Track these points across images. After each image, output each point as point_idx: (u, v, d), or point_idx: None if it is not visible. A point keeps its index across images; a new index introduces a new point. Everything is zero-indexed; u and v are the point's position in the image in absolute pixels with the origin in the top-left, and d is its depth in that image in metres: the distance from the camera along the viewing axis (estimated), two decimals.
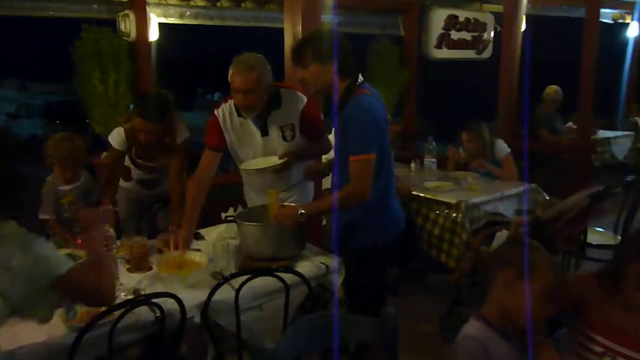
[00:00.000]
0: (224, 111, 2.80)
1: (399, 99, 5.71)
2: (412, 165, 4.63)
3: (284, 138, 2.83)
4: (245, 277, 2.17)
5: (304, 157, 2.95)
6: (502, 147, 4.38)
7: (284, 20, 3.56)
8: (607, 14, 8.07)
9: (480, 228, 3.77)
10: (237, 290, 2.15)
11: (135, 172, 3.23)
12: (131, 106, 3.95)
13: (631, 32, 8.16)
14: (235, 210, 3.00)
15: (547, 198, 4.17)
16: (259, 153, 2.86)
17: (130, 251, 2.49)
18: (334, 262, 2.57)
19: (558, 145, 6.29)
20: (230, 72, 2.63)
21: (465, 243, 3.59)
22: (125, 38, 4.05)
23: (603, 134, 6.87)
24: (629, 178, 3.75)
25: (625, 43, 8.27)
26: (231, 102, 2.77)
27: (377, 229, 2.51)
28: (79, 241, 2.53)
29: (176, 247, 2.57)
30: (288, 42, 3.55)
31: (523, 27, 5.92)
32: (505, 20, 5.70)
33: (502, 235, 3.28)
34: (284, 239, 2.52)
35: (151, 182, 3.28)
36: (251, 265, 2.47)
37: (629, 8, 8.08)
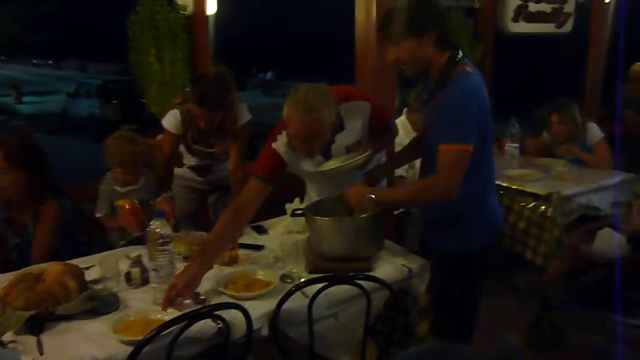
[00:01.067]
0: (282, 142, 2.28)
1: None
2: None
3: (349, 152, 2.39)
4: (321, 284, 1.87)
5: (382, 147, 2.60)
6: (595, 132, 3.91)
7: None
8: None
9: (572, 223, 3.35)
10: (311, 300, 1.85)
11: (188, 158, 2.97)
12: (187, 87, 3.71)
13: None
14: (301, 201, 2.70)
15: None
16: (316, 185, 2.59)
17: (189, 248, 2.23)
18: (417, 264, 2.24)
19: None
20: (285, 111, 2.15)
21: (556, 240, 3.17)
22: (182, 12, 3.78)
23: None
24: None
25: None
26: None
27: (471, 231, 2.14)
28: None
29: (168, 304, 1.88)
30: (360, 20, 3.20)
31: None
32: None
33: (604, 234, 2.87)
34: (361, 236, 2.20)
35: (205, 168, 3.01)
36: (324, 266, 2.17)
37: None
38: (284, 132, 2.25)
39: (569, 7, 5.73)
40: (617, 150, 3.91)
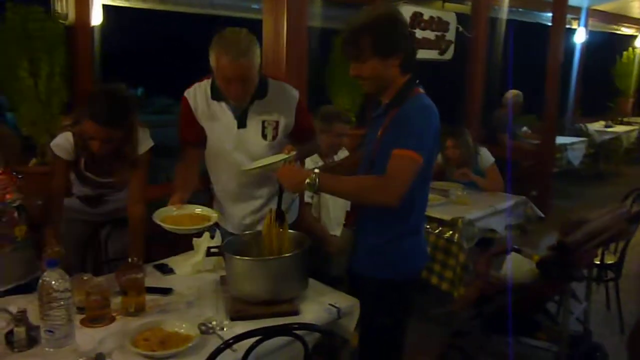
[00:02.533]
0: (197, 93, 2.36)
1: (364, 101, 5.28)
2: None
3: (264, 135, 2.37)
4: (254, 339, 1.64)
5: (302, 156, 2.54)
6: (487, 156, 4.06)
7: (264, 11, 3.02)
8: None
9: (474, 247, 3.41)
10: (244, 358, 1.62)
11: (78, 188, 2.58)
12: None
13: (578, 38, 8.19)
14: (212, 236, 2.45)
15: (542, 215, 3.90)
16: (231, 149, 2.38)
17: (86, 298, 1.90)
18: (346, 302, 2.09)
19: (519, 151, 6.11)
20: (216, 56, 2.15)
21: (462, 265, 3.20)
22: (61, 21, 3.36)
23: (559, 140, 6.79)
24: None
25: (572, 48, 8.30)
26: (207, 82, 2.36)
27: (404, 259, 2.07)
28: None
29: None
30: (268, 36, 3.03)
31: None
32: (474, 22, 5.50)
33: (514, 260, 2.92)
34: (286, 277, 2.00)
35: (97, 199, 2.64)
36: (247, 312, 1.95)
37: (576, 13, 8.11)
38: (201, 83, 2.34)
39: (450, 35, 6.02)
40: (509, 174, 4.09)
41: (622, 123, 9.03)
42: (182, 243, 2.50)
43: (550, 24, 7.71)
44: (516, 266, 2.87)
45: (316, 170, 1.94)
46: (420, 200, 2.05)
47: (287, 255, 2.01)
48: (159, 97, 17.12)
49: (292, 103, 2.40)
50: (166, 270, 2.37)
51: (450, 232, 3.27)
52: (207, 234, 2.45)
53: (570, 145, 6.81)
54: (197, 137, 2.39)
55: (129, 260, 2.30)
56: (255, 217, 2.51)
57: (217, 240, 2.40)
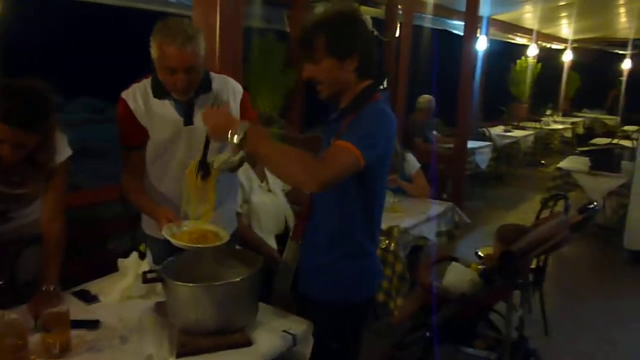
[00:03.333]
0: (136, 93, 2.20)
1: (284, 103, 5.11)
2: None
3: None
4: None
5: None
6: (413, 162, 4.04)
7: (193, 4, 2.76)
8: (459, 26, 8.37)
9: (408, 255, 3.36)
10: None
11: None
12: None
13: (480, 46, 8.53)
14: (141, 255, 2.17)
15: (469, 221, 3.93)
16: (177, 148, 2.22)
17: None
18: (300, 328, 1.91)
19: (432, 154, 6.23)
20: (159, 45, 2.02)
21: (400, 276, 3.12)
22: None
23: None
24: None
25: (474, 55, 8.63)
26: (146, 82, 2.21)
27: (353, 280, 1.92)
28: None
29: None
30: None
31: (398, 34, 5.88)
32: (388, 26, 5.56)
33: (454, 269, 2.89)
34: (236, 303, 1.79)
35: (2, 214, 2.26)
36: (195, 345, 1.72)
37: (478, 22, 8.45)
38: (140, 83, 2.20)
39: None
40: (434, 179, 4.10)
41: (518, 128, 9.55)
42: (100, 261, 2.20)
43: (456, 31, 8.07)
44: (457, 275, 2.84)
45: (247, 124, 1.69)
46: (364, 214, 1.88)
47: (237, 279, 1.79)
48: (77, 100, 16.01)
49: (237, 97, 2.29)
50: (89, 297, 2.06)
51: (387, 241, 3.18)
52: (135, 254, 2.17)
53: (478, 149, 7.06)
54: (141, 140, 2.21)
55: (43, 288, 1.99)
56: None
57: (148, 260, 2.13)
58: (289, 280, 1.99)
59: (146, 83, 2.20)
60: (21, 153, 1.97)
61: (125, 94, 2.19)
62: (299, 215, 2.03)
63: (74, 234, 3.37)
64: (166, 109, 2.19)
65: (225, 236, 1.98)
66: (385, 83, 1.94)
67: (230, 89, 2.29)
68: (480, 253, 3.60)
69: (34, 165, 2.04)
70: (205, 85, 2.20)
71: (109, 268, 2.23)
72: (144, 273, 1.86)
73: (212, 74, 2.28)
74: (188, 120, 2.20)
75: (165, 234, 1.94)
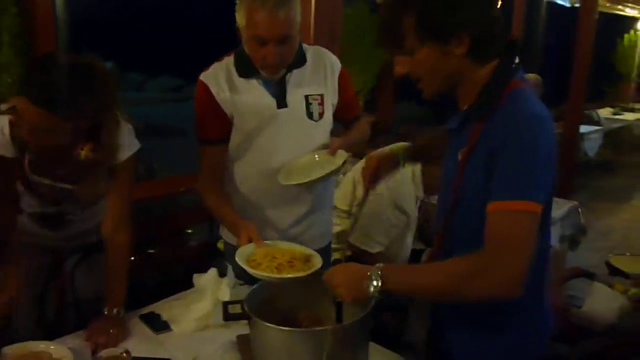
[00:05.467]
0: (217, 75, 1.82)
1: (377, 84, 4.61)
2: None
3: (310, 115, 1.87)
4: None
5: (352, 147, 2.00)
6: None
7: None
8: None
9: None
10: None
11: (26, 202, 1.84)
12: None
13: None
14: (221, 273, 1.77)
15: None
16: (270, 136, 1.84)
17: None
18: None
19: None
20: (248, 11, 1.66)
21: None
22: None
23: None
24: None
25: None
26: (228, 60, 1.84)
27: (518, 337, 1.37)
28: None
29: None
30: None
31: None
32: None
33: (597, 291, 2.34)
34: (343, 350, 1.35)
35: (55, 218, 1.91)
36: None
37: None
38: (221, 61, 1.84)
39: None
40: None
41: (627, 110, 8.55)
42: (179, 254, 1.84)
43: (560, 1, 7.22)
44: (600, 299, 2.28)
45: (379, 265, 1.27)
46: (543, 251, 1.35)
47: (347, 323, 1.36)
48: (131, 73, 16.18)
49: (335, 73, 1.93)
50: (159, 324, 1.69)
51: None
52: (214, 271, 1.77)
53: (587, 134, 6.29)
54: (222, 132, 1.85)
55: (105, 311, 1.64)
56: (300, 227, 1.94)
57: (228, 281, 1.73)
58: (423, 330, 1.50)
59: (228, 61, 1.84)
60: (52, 140, 1.58)
61: (204, 77, 1.82)
62: (431, 252, 1.53)
63: (150, 227, 3.10)
64: (254, 90, 1.81)
65: (317, 262, 1.56)
66: (516, 59, 1.32)
67: (327, 63, 1.91)
68: (616, 265, 2.96)
69: (88, 159, 1.66)
70: (300, 59, 1.84)
71: (187, 264, 1.88)
72: (225, 305, 1.46)
73: (305, 45, 1.91)
74: (282, 102, 1.82)
75: (239, 260, 1.53)
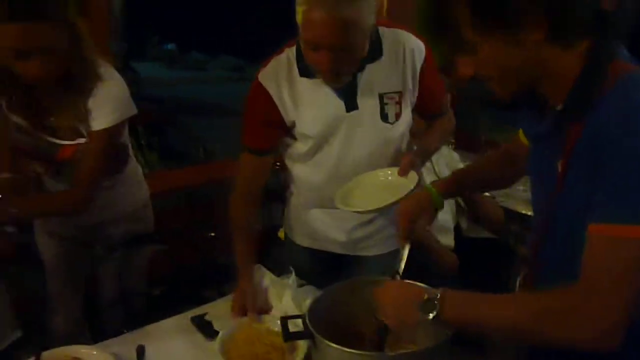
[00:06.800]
0: (278, 74, 1.57)
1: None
2: None
3: (384, 117, 1.60)
4: None
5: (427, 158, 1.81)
6: None
7: None
8: None
9: None
10: None
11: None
12: None
13: None
14: (278, 266, 1.59)
15: None
16: (337, 143, 1.61)
17: None
18: None
19: None
20: (305, 8, 1.37)
21: None
22: None
23: None
24: None
25: None
26: (290, 52, 1.58)
27: None
28: None
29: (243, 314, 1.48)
30: None
31: None
32: None
33: None
34: None
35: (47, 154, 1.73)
36: None
37: None
38: (282, 54, 1.58)
39: None
40: None
41: None
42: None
43: None
44: None
45: (438, 291, 1.04)
46: None
47: (423, 349, 1.16)
48: (193, 52, 16.29)
49: (418, 59, 1.60)
50: (209, 329, 1.52)
51: None
52: (268, 274, 1.59)
53: None
54: (271, 143, 1.64)
55: None
56: (367, 229, 1.74)
57: (291, 290, 1.54)
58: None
59: (290, 54, 1.58)
60: (52, 63, 1.46)
61: (263, 78, 1.58)
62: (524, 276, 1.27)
63: (209, 211, 2.97)
64: (319, 91, 1.56)
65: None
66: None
67: (407, 52, 1.59)
68: None
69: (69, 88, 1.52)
70: (375, 52, 1.55)
71: None
72: (284, 322, 1.26)
73: (382, 30, 1.59)
74: (351, 104, 1.57)
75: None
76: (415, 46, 1.60)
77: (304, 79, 1.56)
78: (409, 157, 1.54)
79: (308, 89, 1.56)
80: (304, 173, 1.68)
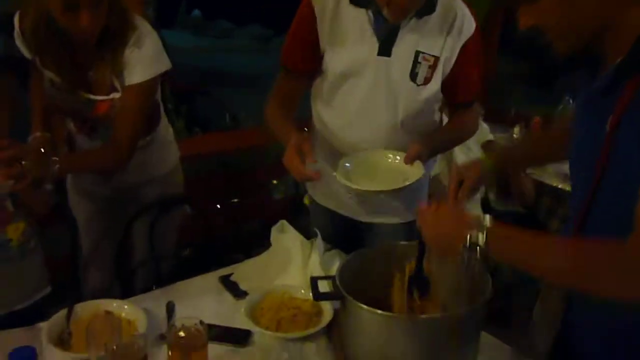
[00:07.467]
0: None
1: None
2: (516, 130, 3.09)
3: (412, 74, 1.53)
4: None
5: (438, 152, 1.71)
6: None
7: None
8: None
9: None
10: None
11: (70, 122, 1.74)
12: None
13: None
14: (303, 230, 1.59)
15: None
16: (363, 84, 1.55)
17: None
18: None
19: None
20: None
21: None
22: None
23: None
24: None
25: None
26: None
27: None
28: None
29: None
30: None
31: None
32: None
33: None
34: (449, 343, 1.14)
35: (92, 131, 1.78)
36: None
37: None
38: None
39: None
40: None
41: None
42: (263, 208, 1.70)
43: None
44: None
45: (486, 220, 1.03)
46: None
47: (461, 312, 1.14)
48: (217, 21, 16.15)
49: (465, 33, 1.54)
50: (238, 291, 1.53)
51: None
52: (283, 222, 1.60)
53: None
54: (305, 65, 1.61)
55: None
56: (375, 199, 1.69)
57: (318, 251, 1.54)
58: (549, 336, 1.22)
59: None
60: (100, 16, 1.45)
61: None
62: None
63: (235, 179, 2.99)
64: (360, 24, 1.51)
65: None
66: None
67: (457, 21, 1.53)
68: None
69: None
70: (429, 5, 1.49)
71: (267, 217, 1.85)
72: (314, 281, 1.26)
73: None
74: (385, 49, 1.51)
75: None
76: (467, 19, 1.55)
77: (351, 8, 1.51)
78: (417, 147, 1.48)
79: (350, 19, 1.52)
80: (327, 116, 1.65)
